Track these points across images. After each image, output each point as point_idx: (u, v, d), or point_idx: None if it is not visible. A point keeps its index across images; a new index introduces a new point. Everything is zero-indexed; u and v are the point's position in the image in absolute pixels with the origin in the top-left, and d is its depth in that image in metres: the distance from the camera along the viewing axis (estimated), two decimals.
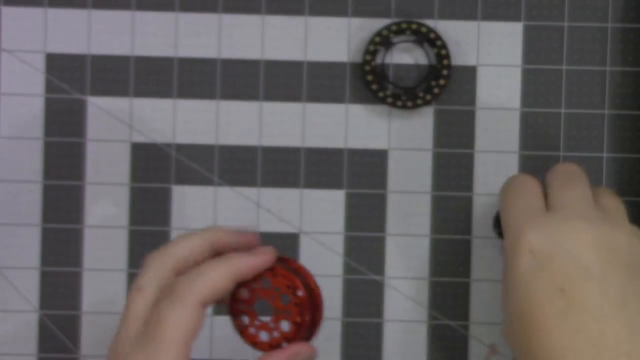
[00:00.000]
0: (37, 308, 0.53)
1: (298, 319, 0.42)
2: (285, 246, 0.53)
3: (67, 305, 0.53)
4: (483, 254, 0.53)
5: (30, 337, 0.53)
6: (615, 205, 0.44)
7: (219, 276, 0.40)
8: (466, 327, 0.53)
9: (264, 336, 0.43)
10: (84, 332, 0.53)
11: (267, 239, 0.53)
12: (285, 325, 0.42)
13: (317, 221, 0.53)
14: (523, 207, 0.43)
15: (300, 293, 0.42)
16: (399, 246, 0.53)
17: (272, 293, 0.42)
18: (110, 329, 0.53)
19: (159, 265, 0.41)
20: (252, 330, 0.43)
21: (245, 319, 0.43)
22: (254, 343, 0.43)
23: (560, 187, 0.44)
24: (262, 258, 0.42)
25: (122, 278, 0.53)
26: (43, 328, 0.53)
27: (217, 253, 0.42)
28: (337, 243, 0.53)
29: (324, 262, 0.53)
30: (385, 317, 0.53)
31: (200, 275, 0.40)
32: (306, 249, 0.53)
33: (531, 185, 0.44)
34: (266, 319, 0.42)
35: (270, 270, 0.42)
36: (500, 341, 0.53)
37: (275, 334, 0.42)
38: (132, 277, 0.53)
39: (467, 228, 0.53)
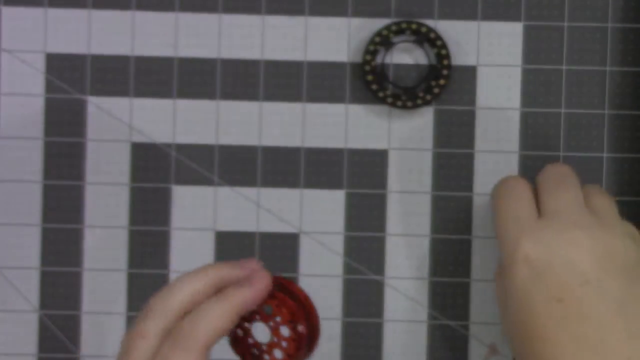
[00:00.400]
0: (37, 308, 0.53)
1: (292, 353, 0.42)
2: (285, 246, 0.53)
3: (67, 305, 0.53)
4: (483, 254, 0.53)
5: (30, 337, 0.53)
6: (606, 206, 0.44)
7: (221, 318, 0.38)
8: (466, 327, 0.53)
9: (255, 351, 0.42)
10: (84, 332, 0.53)
11: (267, 239, 0.53)
12: (278, 354, 0.42)
13: (317, 221, 0.53)
14: (516, 216, 0.43)
15: (300, 328, 0.42)
16: (399, 246, 0.53)
17: (272, 321, 0.42)
18: (110, 329, 0.53)
19: (163, 311, 0.39)
20: (242, 346, 0.43)
21: (239, 332, 0.43)
22: (243, 355, 0.43)
23: (551, 190, 0.44)
24: (261, 287, 0.40)
25: (122, 278, 0.53)
26: (43, 328, 0.53)
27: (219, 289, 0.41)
28: (337, 243, 0.53)
29: (324, 262, 0.53)
30: (385, 317, 0.53)
31: (202, 319, 0.38)
32: (306, 249, 0.53)
33: (522, 189, 0.44)
34: (260, 339, 0.42)
35: (275, 298, 0.42)
36: (500, 341, 0.53)
37: (266, 357, 0.42)
38: (132, 278, 0.53)
39: (467, 228, 0.53)
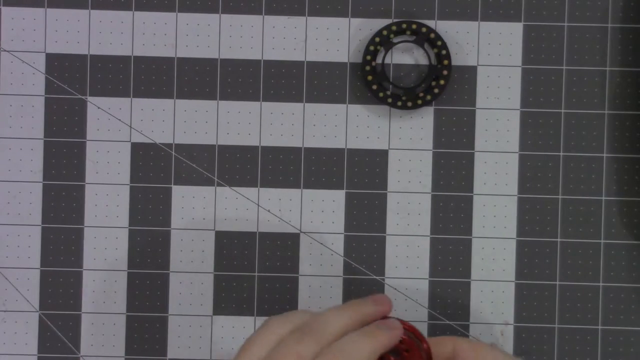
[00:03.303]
0: (37, 308, 0.53)
1: None
2: (285, 246, 0.53)
3: (67, 305, 0.53)
4: (483, 254, 0.53)
5: (30, 337, 0.53)
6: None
7: (370, 351, 0.41)
8: (466, 327, 0.53)
9: None
10: (84, 332, 0.53)
11: (267, 238, 0.53)
12: None
13: (317, 221, 0.53)
14: None
15: None
16: (399, 246, 0.53)
17: None
18: (110, 329, 0.53)
19: (319, 339, 0.41)
20: None
21: None
22: None
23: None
24: (398, 332, 0.43)
25: (122, 278, 0.53)
26: (43, 328, 0.53)
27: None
28: (337, 243, 0.53)
29: (324, 262, 0.53)
30: None
31: (355, 350, 0.41)
32: (306, 249, 0.53)
33: None
34: None
35: (402, 342, 0.43)
36: (500, 341, 0.53)
37: None
38: (131, 277, 0.53)
39: (467, 228, 0.53)
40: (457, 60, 0.53)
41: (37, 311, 0.53)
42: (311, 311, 0.43)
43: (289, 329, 0.42)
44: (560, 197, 0.53)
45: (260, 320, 0.53)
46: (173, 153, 0.53)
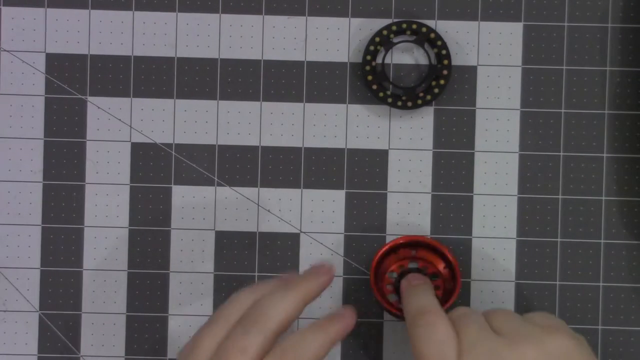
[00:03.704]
0: (37, 308, 0.53)
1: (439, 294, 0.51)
2: (285, 246, 0.53)
3: (67, 305, 0.53)
4: (483, 254, 0.53)
5: (30, 337, 0.53)
6: (510, 320, 0.43)
7: (321, 350, 0.41)
8: None
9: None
10: (84, 332, 0.53)
11: (267, 239, 0.53)
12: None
13: (317, 221, 0.53)
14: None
15: (442, 269, 0.51)
16: None
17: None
18: (110, 329, 0.53)
19: (262, 331, 0.41)
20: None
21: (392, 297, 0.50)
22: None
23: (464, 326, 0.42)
24: (350, 322, 0.43)
25: (122, 278, 0.53)
26: (43, 328, 0.53)
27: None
28: (337, 243, 0.53)
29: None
30: (385, 317, 0.53)
31: (274, 308, 0.41)
32: (306, 249, 0.53)
33: (444, 328, 0.42)
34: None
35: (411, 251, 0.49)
36: None
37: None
38: (132, 277, 0.53)
39: (467, 228, 0.53)
40: (457, 60, 0.53)
41: (37, 311, 0.53)
42: (254, 290, 0.43)
43: (236, 317, 0.42)
44: (560, 197, 0.53)
45: None
46: (173, 153, 0.53)
